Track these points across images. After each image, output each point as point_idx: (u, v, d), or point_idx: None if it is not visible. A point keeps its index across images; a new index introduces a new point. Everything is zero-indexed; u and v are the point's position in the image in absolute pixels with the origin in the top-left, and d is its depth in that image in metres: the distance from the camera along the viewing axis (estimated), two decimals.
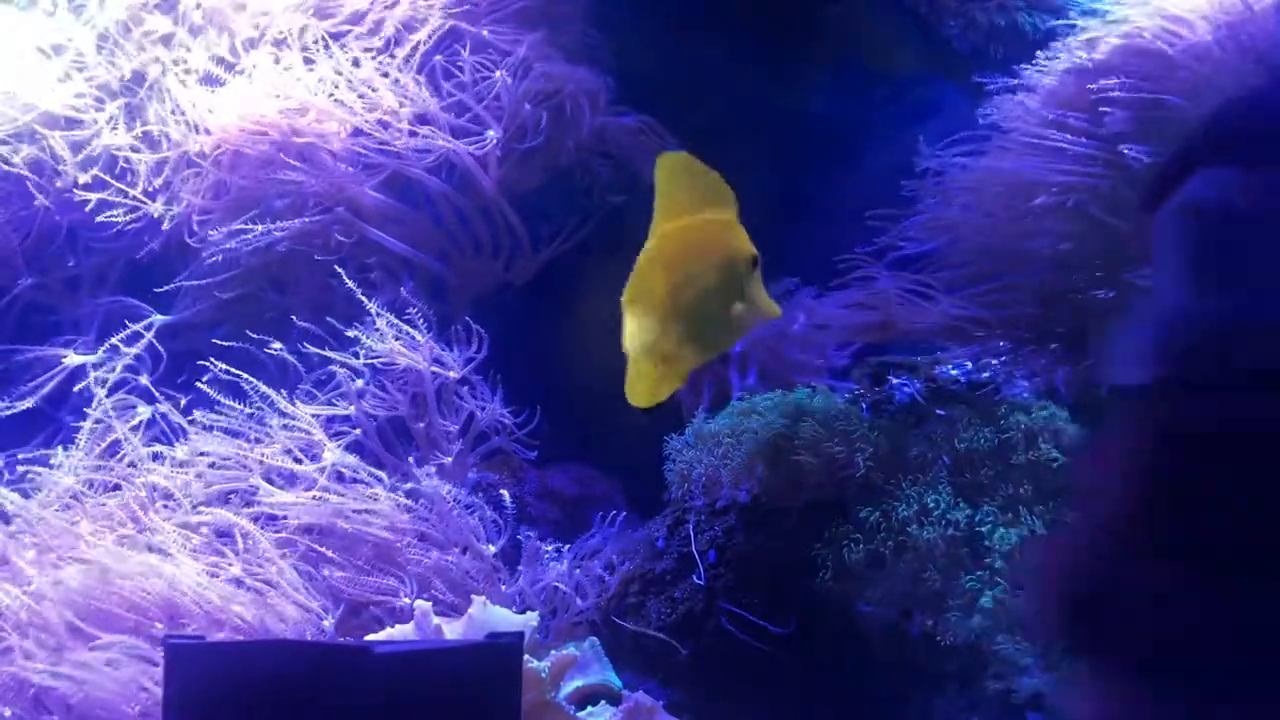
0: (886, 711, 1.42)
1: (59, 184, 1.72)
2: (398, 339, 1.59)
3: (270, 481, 1.47)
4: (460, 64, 1.75)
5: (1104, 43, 1.47)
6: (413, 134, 1.72)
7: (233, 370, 1.53)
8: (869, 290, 1.60)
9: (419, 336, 1.60)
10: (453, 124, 1.75)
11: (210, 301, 1.75)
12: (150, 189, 1.71)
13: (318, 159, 1.70)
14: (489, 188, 1.77)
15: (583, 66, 1.85)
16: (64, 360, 1.67)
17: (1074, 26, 1.54)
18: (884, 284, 1.59)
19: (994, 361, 1.57)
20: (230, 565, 1.36)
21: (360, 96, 1.70)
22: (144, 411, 1.55)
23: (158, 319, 1.73)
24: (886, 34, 1.95)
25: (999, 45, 1.77)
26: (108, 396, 1.54)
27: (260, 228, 1.68)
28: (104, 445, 1.49)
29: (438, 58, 1.76)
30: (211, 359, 1.55)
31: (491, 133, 1.74)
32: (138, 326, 1.68)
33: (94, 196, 1.68)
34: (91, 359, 1.66)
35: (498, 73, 1.75)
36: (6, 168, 1.70)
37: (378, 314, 1.58)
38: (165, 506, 1.42)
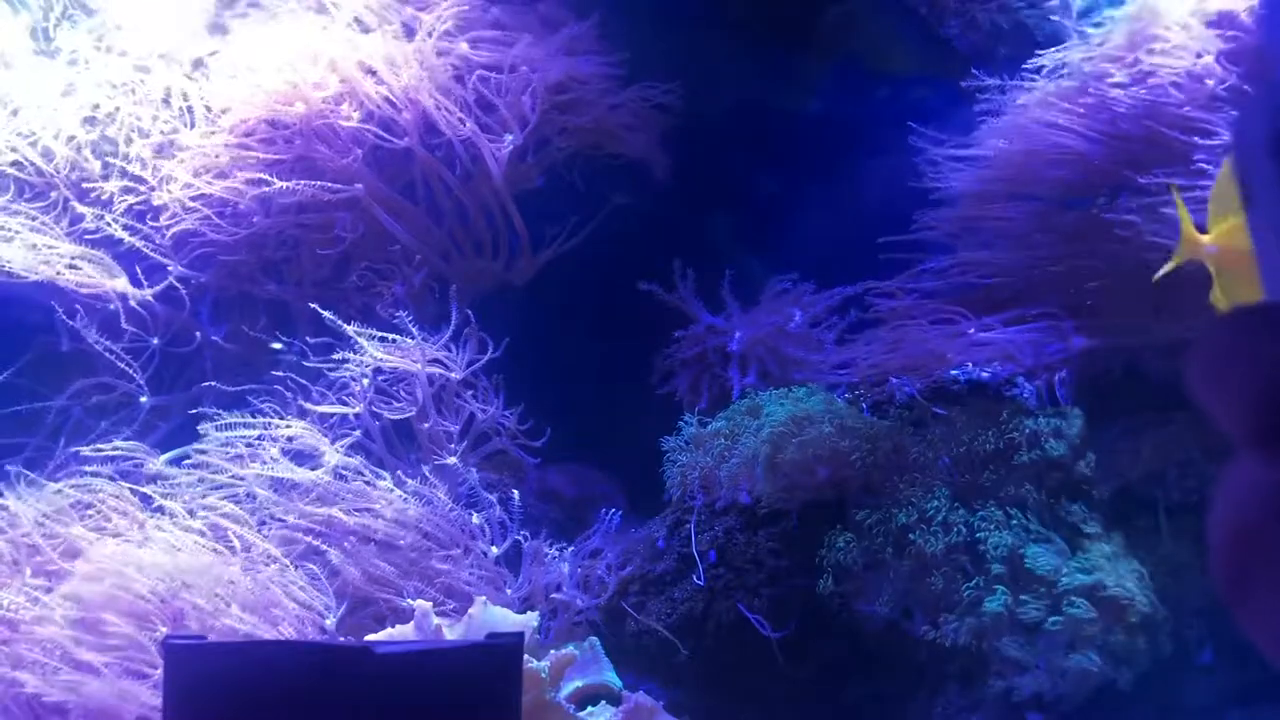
0: (887, 711, 1.42)
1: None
2: (394, 342, 1.58)
3: (271, 482, 1.46)
4: (463, 57, 1.75)
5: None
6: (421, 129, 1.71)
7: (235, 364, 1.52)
8: (894, 325, 1.65)
9: (396, 340, 1.58)
10: (452, 121, 1.74)
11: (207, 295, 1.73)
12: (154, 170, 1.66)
13: (324, 140, 1.68)
14: (498, 186, 1.76)
15: (586, 65, 1.85)
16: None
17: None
18: (907, 302, 1.64)
19: (995, 364, 1.57)
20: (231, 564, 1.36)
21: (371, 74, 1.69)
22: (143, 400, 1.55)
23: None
24: (887, 34, 1.95)
25: (1000, 45, 1.77)
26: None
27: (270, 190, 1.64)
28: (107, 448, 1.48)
29: (442, 51, 1.76)
30: (209, 357, 1.55)
31: (509, 136, 1.73)
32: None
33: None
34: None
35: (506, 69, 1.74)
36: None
37: (362, 333, 1.56)
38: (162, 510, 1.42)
